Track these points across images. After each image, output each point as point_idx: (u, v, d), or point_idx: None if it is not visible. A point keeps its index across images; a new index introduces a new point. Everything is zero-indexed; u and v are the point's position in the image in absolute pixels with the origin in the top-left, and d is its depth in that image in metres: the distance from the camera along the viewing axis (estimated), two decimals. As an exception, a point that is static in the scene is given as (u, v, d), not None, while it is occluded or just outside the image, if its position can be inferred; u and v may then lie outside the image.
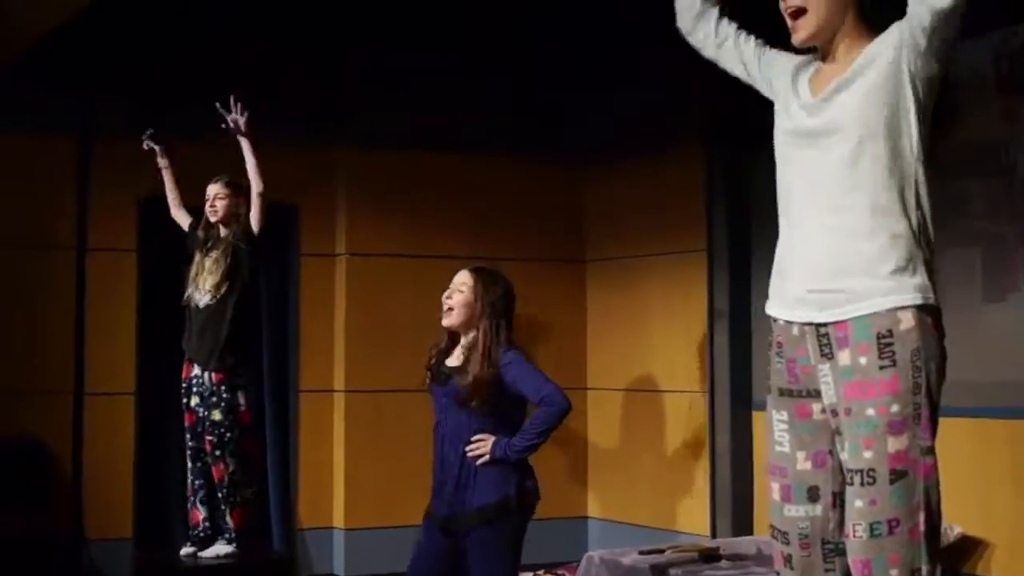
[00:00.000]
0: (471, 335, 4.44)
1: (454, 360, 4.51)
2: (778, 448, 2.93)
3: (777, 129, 2.99)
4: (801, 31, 2.88)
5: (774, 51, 3.06)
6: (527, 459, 4.51)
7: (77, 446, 6.71)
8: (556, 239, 7.60)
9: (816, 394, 2.84)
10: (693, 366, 6.80)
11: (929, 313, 2.76)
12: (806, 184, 2.85)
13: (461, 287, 4.45)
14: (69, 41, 6.29)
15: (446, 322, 4.47)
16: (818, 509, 2.84)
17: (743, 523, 6.43)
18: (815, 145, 2.84)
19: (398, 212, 7.26)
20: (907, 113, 2.78)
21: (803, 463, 2.87)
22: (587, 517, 7.49)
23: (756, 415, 6.49)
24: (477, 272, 4.51)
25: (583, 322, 7.65)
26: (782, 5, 2.91)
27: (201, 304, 5.89)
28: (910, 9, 2.75)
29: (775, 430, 2.94)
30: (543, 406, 4.37)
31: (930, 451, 2.74)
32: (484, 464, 4.35)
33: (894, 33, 2.80)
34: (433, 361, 4.56)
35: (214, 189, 5.99)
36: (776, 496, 2.93)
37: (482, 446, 4.36)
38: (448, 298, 4.45)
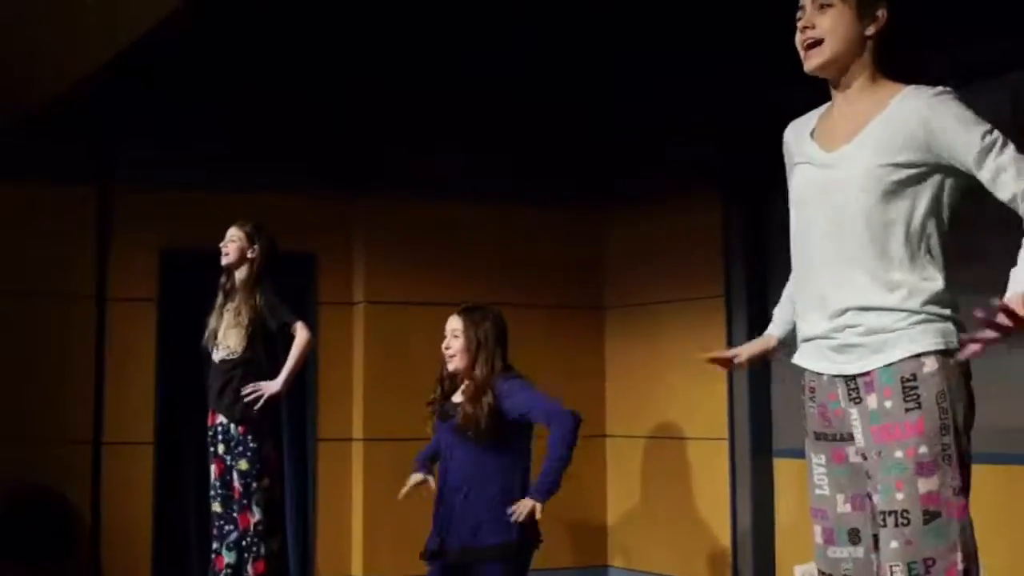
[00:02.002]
0: (471, 372, 4.61)
1: (458, 396, 4.62)
2: (818, 491, 2.93)
3: (791, 187, 3.00)
4: (815, 58, 2.88)
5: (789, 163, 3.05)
6: None
7: (96, 496, 6.71)
8: (574, 286, 7.60)
9: (850, 437, 2.85)
10: (713, 413, 6.76)
11: (953, 356, 2.75)
12: (824, 237, 2.85)
13: (455, 332, 4.70)
14: (90, 92, 6.35)
15: (451, 367, 4.70)
16: (860, 551, 2.84)
17: (765, 572, 6.38)
18: (831, 199, 2.83)
19: (415, 260, 7.27)
20: (928, 172, 2.79)
21: (843, 506, 2.88)
22: (607, 566, 7.43)
23: (777, 462, 6.45)
24: (465, 313, 4.73)
25: (602, 369, 7.63)
26: (799, 37, 2.91)
27: (217, 359, 5.89)
28: (964, 154, 2.73)
29: (814, 473, 2.94)
30: (552, 429, 4.46)
31: (963, 491, 2.73)
32: (517, 515, 4.41)
33: (930, 122, 2.75)
34: (437, 397, 4.69)
35: (228, 232, 6.00)
36: (819, 539, 2.93)
37: (519, 511, 4.40)
38: (447, 347, 4.68)
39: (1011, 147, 2.75)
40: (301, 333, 5.79)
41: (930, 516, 2.69)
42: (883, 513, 2.73)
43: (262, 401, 5.69)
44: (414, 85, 7.21)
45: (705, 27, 6.52)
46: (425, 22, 6.74)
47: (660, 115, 7.14)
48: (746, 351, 3.38)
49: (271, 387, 5.72)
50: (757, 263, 6.62)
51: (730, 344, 6.68)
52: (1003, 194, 2.75)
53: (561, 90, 7.40)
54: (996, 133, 2.76)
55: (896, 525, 2.70)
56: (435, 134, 7.30)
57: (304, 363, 5.90)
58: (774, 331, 3.31)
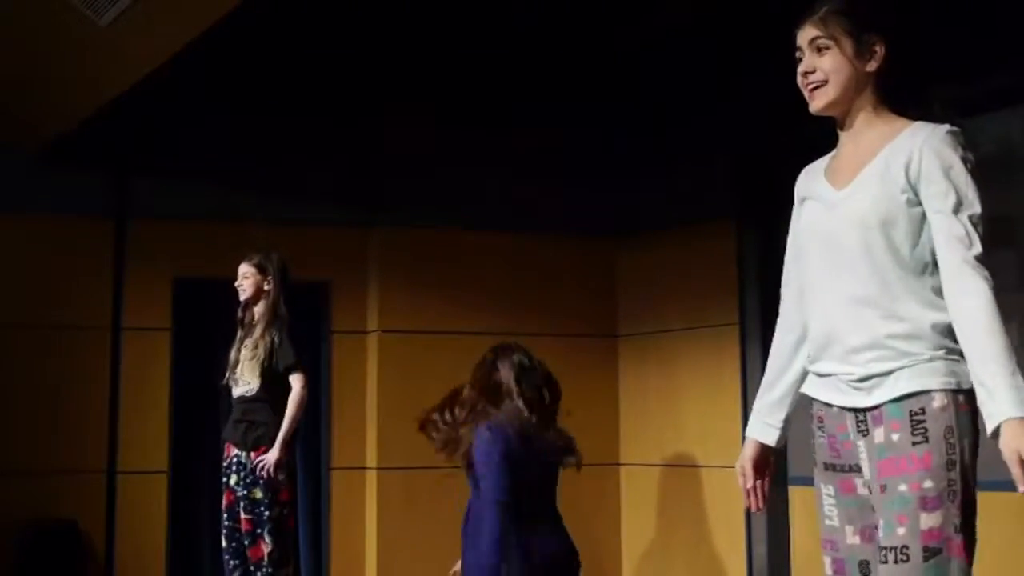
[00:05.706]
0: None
1: None
2: (828, 522, 2.91)
3: (796, 226, 2.98)
4: (819, 99, 2.88)
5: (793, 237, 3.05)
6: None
7: (110, 525, 6.71)
8: (588, 314, 7.59)
9: (858, 469, 2.83)
10: (728, 441, 6.73)
11: (962, 392, 2.74)
12: (832, 275, 2.84)
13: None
14: (104, 123, 6.39)
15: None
16: None
17: (781, 601, 6.34)
18: (837, 236, 2.83)
19: (430, 288, 7.28)
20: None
21: (852, 537, 2.86)
22: (622, 595, 7.41)
23: (792, 491, 6.42)
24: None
25: (615, 397, 7.61)
26: (800, 80, 2.92)
27: (236, 395, 5.89)
28: (932, 217, 2.74)
29: (824, 504, 2.93)
30: (480, 506, 4.52)
31: (964, 529, 2.69)
32: None
33: (921, 162, 2.75)
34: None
35: (241, 269, 6.01)
36: (829, 570, 2.91)
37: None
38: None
39: (978, 245, 2.69)
40: (295, 386, 5.73)
41: (930, 553, 2.65)
42: (884, 549, 2.70)
43: (269, 470, 5.67)
44: (428, 114, 7.23)
45: (720, 53, 6.54)
46: (438, 53, 6.77)
47: (674, 142, 7.14)
48: (752, 476, 3.06)
49: (271, 456, 5.69)
50: (771, 291, 6.55)
51: (744, 372, 6.66)
52: (947, 287, 2.70)
53: (574, 118, 7.42)
54: (975, 212, 2.71)
55: (896, 561, 2.67)
56: (448, 163, 7.32)
57: (298, 422, 5.78)
58: (766, 438, 3.06)
